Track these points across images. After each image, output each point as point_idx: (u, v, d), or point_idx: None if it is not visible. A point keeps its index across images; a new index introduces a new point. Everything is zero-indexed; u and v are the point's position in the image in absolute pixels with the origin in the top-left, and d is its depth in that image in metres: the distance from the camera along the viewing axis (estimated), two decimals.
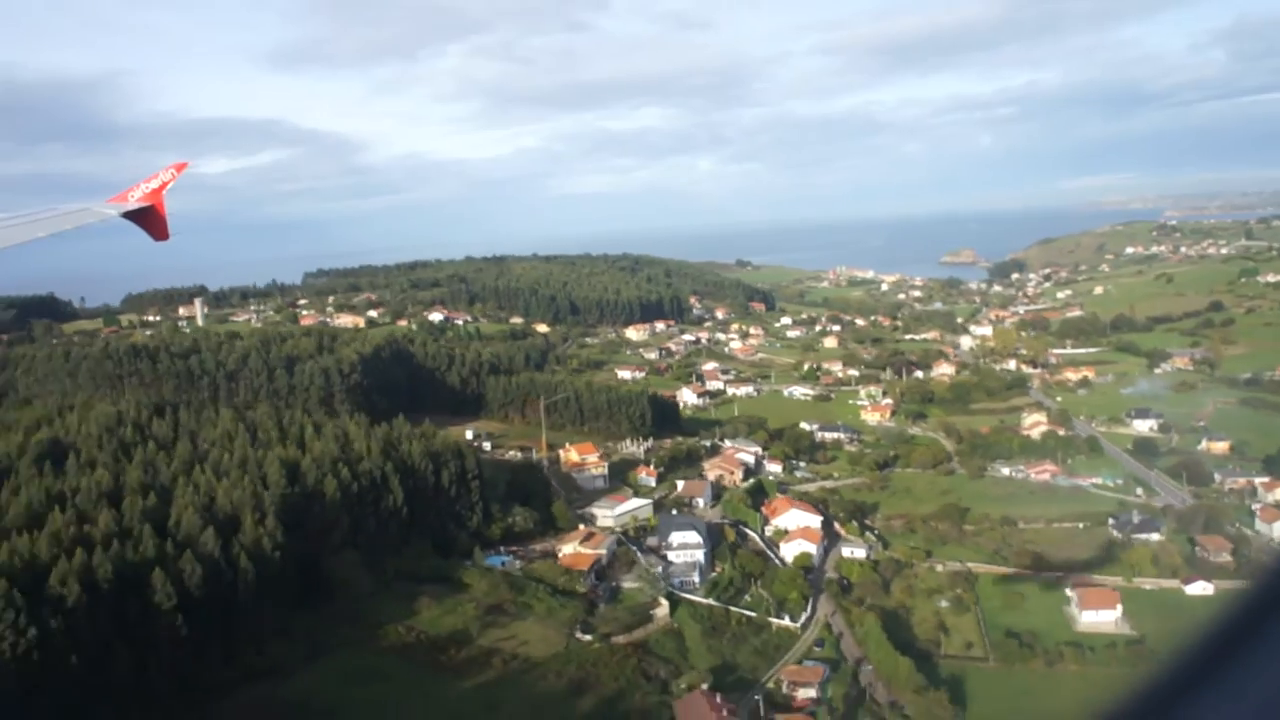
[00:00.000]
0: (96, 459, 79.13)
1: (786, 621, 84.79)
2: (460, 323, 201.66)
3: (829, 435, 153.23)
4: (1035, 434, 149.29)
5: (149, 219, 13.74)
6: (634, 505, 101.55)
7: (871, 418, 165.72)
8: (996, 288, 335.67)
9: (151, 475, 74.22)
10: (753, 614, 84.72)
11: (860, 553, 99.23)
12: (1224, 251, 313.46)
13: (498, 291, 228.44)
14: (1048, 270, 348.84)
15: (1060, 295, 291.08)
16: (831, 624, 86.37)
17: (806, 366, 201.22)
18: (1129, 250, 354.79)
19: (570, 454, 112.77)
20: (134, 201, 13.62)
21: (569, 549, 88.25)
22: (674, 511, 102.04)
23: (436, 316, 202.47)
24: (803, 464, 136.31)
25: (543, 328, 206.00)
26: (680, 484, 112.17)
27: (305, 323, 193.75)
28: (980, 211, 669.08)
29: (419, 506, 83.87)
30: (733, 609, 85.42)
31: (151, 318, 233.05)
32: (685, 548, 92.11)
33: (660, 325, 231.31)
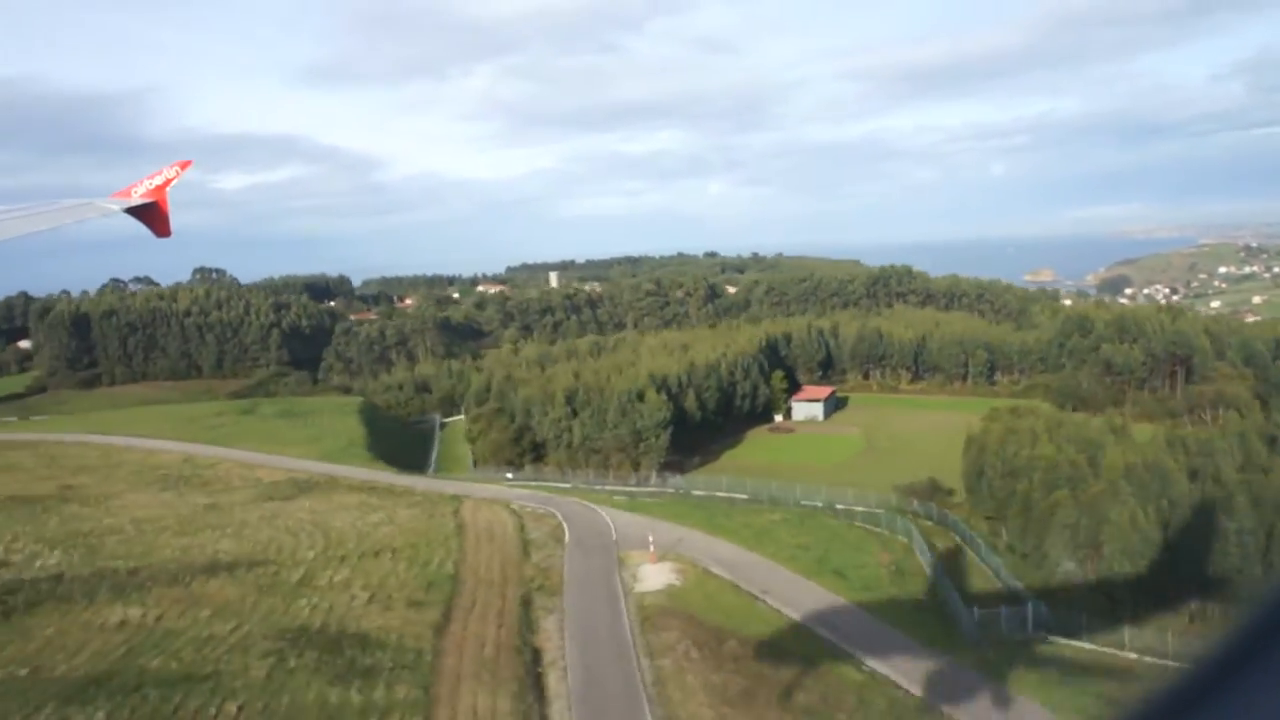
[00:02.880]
0: None
1: None
2: None
3: None
4: None
5: (152, 215, 13.32)
6: None
7: None
8: (1122, 300, 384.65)
9: None
10: None
11: None
12: None
13: None
14: (1162, 286, 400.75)
15: (1214, 305, 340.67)
16: None
17: None
18: (1222, 270, 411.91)
19: None
20: (137, 197, 13.20)
21: None
22: None
23: None
24: None
25: None
26: None
27: None
28: (1004, 237, 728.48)
29: None
30: None
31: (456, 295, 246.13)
32: None
33: None
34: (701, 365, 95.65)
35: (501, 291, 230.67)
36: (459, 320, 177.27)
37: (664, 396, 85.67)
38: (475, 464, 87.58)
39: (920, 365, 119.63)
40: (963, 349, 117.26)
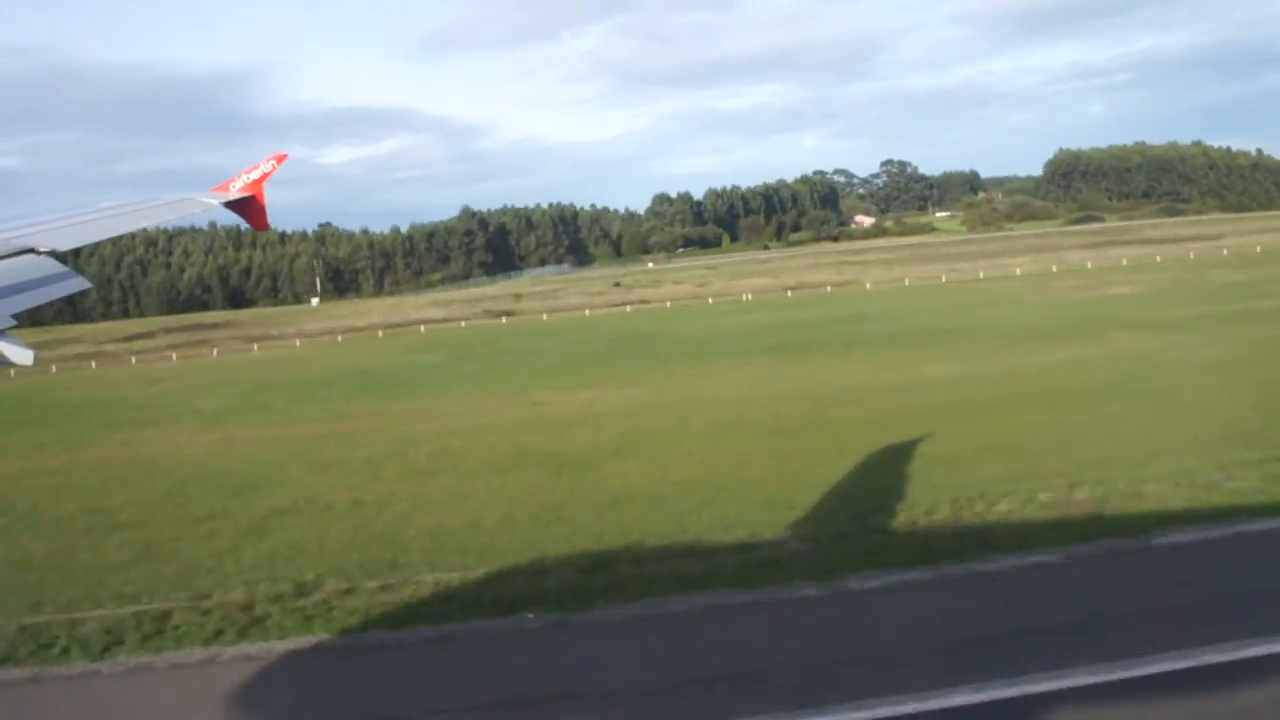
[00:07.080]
0: None
1: None
2: None
3: None
4: None
5: (250, 209, 13.54)
6: None
7: None
8: None
9: None
10: None
11: None
12: None
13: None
14: None
15: None
16: None
17: None
18: None
19: None
20: (235, 192, 13.48)
21: None
22: None
23: None
24: None
25: None
26: None
27: None
28: None
29: None
30: None
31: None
32: None
33: None
34: None
35: None
36: None
37: None
38: None
39: None
40: None
